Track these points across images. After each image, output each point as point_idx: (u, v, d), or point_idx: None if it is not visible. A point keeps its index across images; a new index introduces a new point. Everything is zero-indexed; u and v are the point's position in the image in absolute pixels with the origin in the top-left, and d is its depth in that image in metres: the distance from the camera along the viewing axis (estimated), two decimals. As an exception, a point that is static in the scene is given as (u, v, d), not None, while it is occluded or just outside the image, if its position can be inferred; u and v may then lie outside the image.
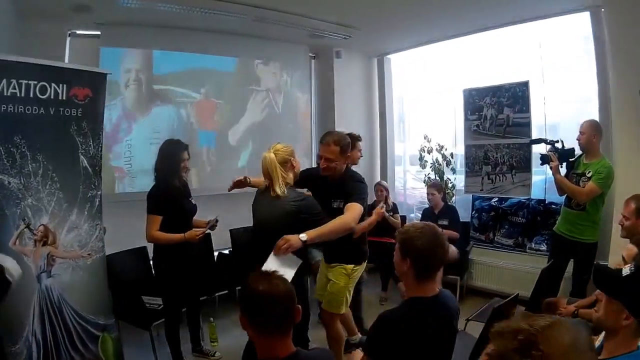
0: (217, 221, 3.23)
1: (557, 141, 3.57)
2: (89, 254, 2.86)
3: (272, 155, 2.54)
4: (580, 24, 4.09)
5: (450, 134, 5.32)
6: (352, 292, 2.97)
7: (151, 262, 3.36)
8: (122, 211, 3.76)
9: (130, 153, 4.33)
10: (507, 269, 4.33)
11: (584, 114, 3.84)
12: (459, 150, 5.24)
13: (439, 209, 4.67)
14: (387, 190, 4.98)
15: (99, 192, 2.93)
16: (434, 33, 5.00)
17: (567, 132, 3.78)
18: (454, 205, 4.98)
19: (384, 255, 4.34)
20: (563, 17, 4.15)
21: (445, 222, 4.43)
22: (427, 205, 5.54)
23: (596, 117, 3.69)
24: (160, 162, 3.11)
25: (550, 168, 3.51)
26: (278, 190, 2.50)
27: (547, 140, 3.65)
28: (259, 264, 2.23)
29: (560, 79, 4.37)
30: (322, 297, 3.00)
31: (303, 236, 2.36)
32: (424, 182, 5.45)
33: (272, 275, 1.51)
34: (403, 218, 5.17)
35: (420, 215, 5.87)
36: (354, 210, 2.59)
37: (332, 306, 2.89)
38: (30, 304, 2.55)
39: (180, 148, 3.13)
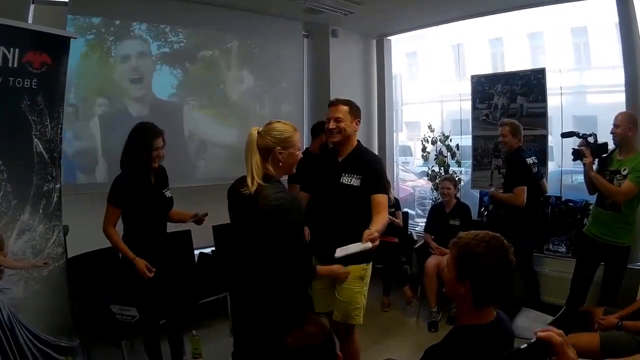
0: (206, 215, 2.86)
1: (590, 135, 3.25)
2: (45, 263, 2.40)
3: (254, 134, 1.98)
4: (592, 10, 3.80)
5: (455, 123, 4.92)
6: (367, 297, 2.55)
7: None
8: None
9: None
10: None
11: (607, 105, 3.52)
12: (465, 142, 4.85)
13: (451, 207, 4.11)
14: (389, 183, 4.56)
15: (57, 185, 2.47)
16: (443, 13, 4.56)
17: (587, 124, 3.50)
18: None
19: (386, 256, 4.00)
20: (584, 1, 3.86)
21: (457, 223, 3.97)
22: (429, 200, 5.20)
23: (623, 109, 3.40)
24: (127, 149, 2.61)
25: (584, 164, 3.20)
26: (249, 184, 1.93)
27: (579, 133, 3.31)
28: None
29: (580, 67, 4.05)
30: (327, 308, 2.56)
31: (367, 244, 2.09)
32: (427, 176, 5.05)
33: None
34: (405, 215, 4.76)
35: (419, 211, 5.55)
36: (385, 208, 2.38)
37: (349, 317, 2.47)
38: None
39: (153, 134, 2.62)
